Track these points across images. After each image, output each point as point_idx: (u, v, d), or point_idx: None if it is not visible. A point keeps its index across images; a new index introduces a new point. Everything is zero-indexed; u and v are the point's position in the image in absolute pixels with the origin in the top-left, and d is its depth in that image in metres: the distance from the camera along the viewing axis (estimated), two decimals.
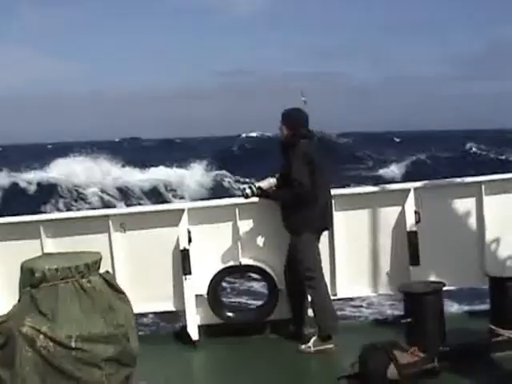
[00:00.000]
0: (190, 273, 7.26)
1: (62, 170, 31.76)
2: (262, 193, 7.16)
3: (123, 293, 5.98)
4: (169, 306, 7.66)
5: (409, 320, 6.05)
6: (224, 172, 33.83)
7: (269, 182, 7.18)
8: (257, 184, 7.19)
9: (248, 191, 7.17)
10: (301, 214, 6.87)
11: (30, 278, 5.67)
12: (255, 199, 7.22)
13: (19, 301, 5.78)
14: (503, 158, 41.24)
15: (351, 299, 7.85)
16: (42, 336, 5.49)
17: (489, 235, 7.58)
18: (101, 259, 6.03)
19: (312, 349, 6.80)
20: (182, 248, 7.27)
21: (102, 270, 6.03)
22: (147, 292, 7.44)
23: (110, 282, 5.91)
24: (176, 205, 7.71)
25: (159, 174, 33.41)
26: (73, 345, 5.48)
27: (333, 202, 7.21)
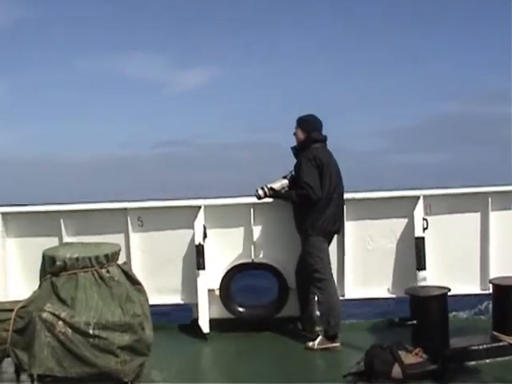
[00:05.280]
0: (203, 268, 7.43)
1: None
2: (274, 194, 7.29)
3: (140, 284, 6.15)
4: (182, 298, 7.86)
5: (414, 322, 6.20)
6: None
7: (281, 183, 7.28)
8: (269, 185, 7.30)
9: (260, 192, 7.29)
10: (310, 217, 7.03)
11: (51, 266, 5.83)
12: (269, 200, 7.39)
13: (40, 287, 5.96)
14: None
15: (359, 300, 7.98)
16: (60, 322, 5.67)
17: (493, 244, 7.76)
18: (120, 251, 6.21)
19: (318, 346, 6.97)
20: (197, 243, 7.44)
21: (119, 262, 6.22)
22: (161, 284, 7.64)
23: (127, 273, 6.08)
24: (193, 201, 7.82)
25: None
26: (90, 332, 5.66)
27: (344, 206, 7.39)
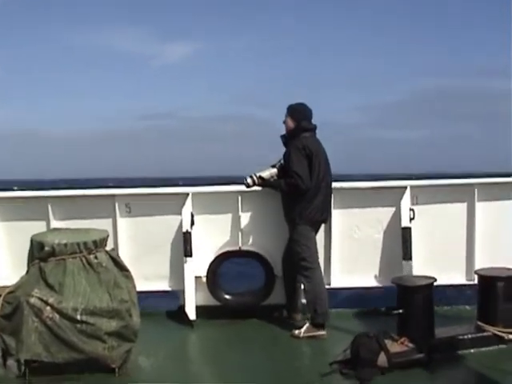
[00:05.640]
0: (190, 255, 7.46)
1: None
2: (262, 182, 7.29)
3: (127, 270, 6.19)
4: (169, 285, 7.89)
5: (400, 311, 6.26)
6: None
7: (270, 172, 7.29)
8: (258, 174, 7.30)
9: (249, 180, 7.29)
10: (298, 206, 7.04)
11: (40, 252, 5.86)
12: (258, 188, 7.40)
13: (27, 272, 5.98)
14: None
15: (345, 289, 8.05)
16: (48, 307, 5.70)
17: (479, 235, 7.83)
18: (108, 237, 6.23)
19: (305, 334, 7.00)
20: (184, 230, 7.46)
21: (107, 248, 6.24)
22: (148, 271, 7.64)
23: (115, 259, 6.12)
24: (181, 188, 7.84)
25: None
26: (78, 317, 5.70)
27: (332, 195, 7.42)
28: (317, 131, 7.32)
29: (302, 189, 6.95)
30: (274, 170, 7.28)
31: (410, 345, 6.00)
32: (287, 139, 7.26)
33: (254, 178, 7.27)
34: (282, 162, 7.26)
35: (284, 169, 7.19)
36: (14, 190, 8.01)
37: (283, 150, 7.26)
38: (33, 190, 8.12)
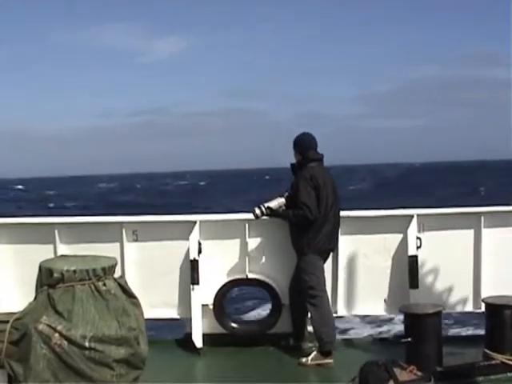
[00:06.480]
0: (197, 283, 7.47)
1: None
2: (271, 213, 7.30)
3: (135, 297, 6.17)
4: (175, 313, 7.87)
5: (408, 340, 6.25)
6: None
7: (278, 202, 7.30)
8: (266, 204, 7.30)
9: (258, 212, 7.30)
10: (306, 236, 7.09)
11: (48, 278, 5.84)
12: (266, 217, 7.42)
13: (35, 299, 5.95)
14: None
15: (353, 317, 8.04)
16: (57, 334, 5.67)
17: (485, 263, 7.82)
18: (116, 264, 6.23)
19: (312, 362, 6.99)
20: (191, 258, 7.48)
21: (115, 275, 6.24)
22: (155, 298, 7.63)
23: (123, 287, 6.10)
24: (188, 216, 7.87)
25: None
26: (86, 345, 5.66)
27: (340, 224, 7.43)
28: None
29: (310, 219, 7.00)
30: (282, 200, 7.30)
31: (419, 373, 5.98)
32: (296, 168, 7.33)
33: (263, 208, 7.29)
34: (290, 191, 7.30)
35: (292, 198, 7.22)
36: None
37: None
38: (40, 216, 8.15)
